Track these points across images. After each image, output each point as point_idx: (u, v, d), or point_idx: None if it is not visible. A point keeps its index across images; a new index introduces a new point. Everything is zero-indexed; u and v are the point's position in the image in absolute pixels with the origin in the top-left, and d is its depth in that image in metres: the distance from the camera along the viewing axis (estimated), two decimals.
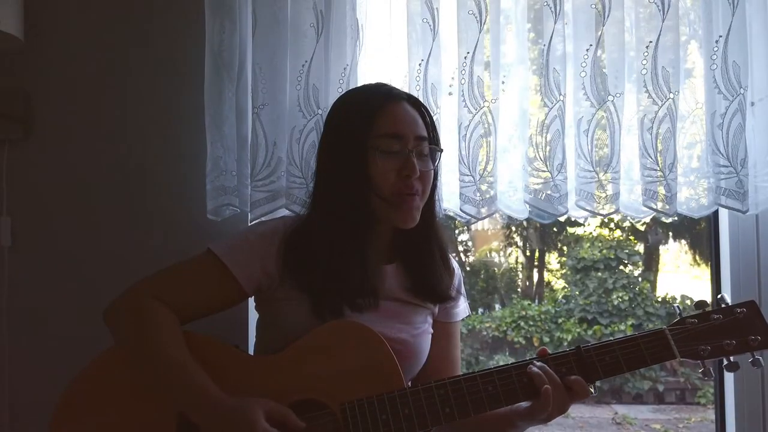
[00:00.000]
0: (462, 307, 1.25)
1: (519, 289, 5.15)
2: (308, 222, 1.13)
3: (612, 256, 4.67)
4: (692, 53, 1.39)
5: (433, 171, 1.14)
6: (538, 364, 1.01)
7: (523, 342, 4.63)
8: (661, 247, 5.04)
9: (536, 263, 5.19)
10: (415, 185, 1.09)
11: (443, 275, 1.18)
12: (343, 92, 1.28)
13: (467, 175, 1.34)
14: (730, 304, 1.04)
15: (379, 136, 1.08)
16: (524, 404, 1.03)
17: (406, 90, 1.29)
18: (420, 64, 1.34)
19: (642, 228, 4.88)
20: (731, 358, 1.02)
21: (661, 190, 1.30)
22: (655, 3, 1.30)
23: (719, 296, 1.06)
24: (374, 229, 1.13)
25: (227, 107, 1.38)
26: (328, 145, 1.15)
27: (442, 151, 1.19)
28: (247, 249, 1.09)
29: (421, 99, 1.30)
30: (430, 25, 1.34)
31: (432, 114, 1.29)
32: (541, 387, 0.99)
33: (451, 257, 1.24)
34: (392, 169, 1.08)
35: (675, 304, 1.12)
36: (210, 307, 1.10)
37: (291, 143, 1.35)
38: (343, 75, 1.35)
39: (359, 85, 1.35)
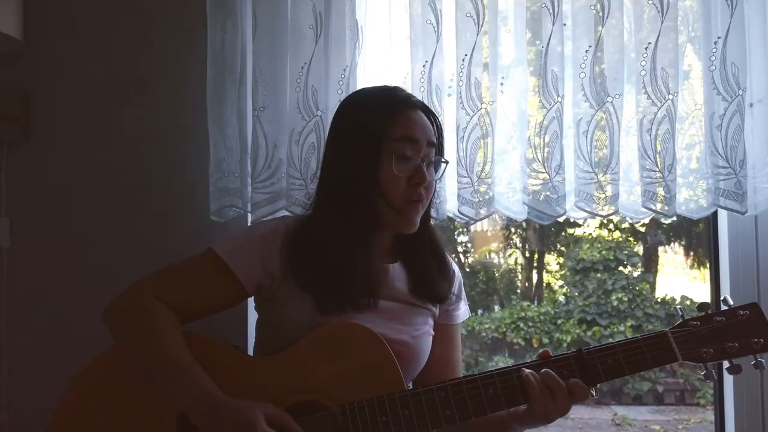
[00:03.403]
0: (463, 310, 1.26)
1: (518, 290, 5.14)
2: (312, 221, 1.13)
3: (611, 257, 4.66)
4: (691, 54, 1.39)
5: (436, 181, 1.17)
6: (543, 370, 1.01)
7: (523, 343, 4.62)
8: (660, 249, 5.03)
9: (535, 264, 5.18)
10: (422, 193, 1.10)
11: (437, 276, 1.18)
12: (354, 92, 1.26)
13: (465, 177, 1.34)
14: (732, 306, 1.04)
15: (396, 139, 1.08)
16: (522, 407, 1.03)
17: (410, 92, 1.29)
18: (424, 66, 1.34)
19: (641, 229, 4.88)
20: (733, 361, 1.01)
21: (660, 191, 1.30)
22: (654, 4, 1.30)
23: (722, 298, 1.05)
24: (377, 229, 1.13)
25: (229, 109, 1.38)
26: (337, 141, 1.15)
27: (447, 162, 1.21)
28: (248, 248, 1.09)
29: (425, 100, 1.32)
30: (433, 26, 1.34)
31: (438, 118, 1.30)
32: (531, 390, 0.99)
33: (451, 260, 1.24)
34: (404, 176, 1.09)
35: (675, 306, 1.11)
36: (210, 307, 1.10)
37: (290, 145, 1.35)
38: (342, 77, 1.35)
39: (359, 86, 1.36)
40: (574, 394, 0.99)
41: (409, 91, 1.31)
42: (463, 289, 1.27)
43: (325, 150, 1.19)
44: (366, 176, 1.08)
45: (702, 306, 1.04)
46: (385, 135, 1.08)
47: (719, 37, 1.30)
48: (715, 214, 1.47)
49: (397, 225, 1.12)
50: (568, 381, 1.00)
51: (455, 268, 1.25)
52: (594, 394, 1.01)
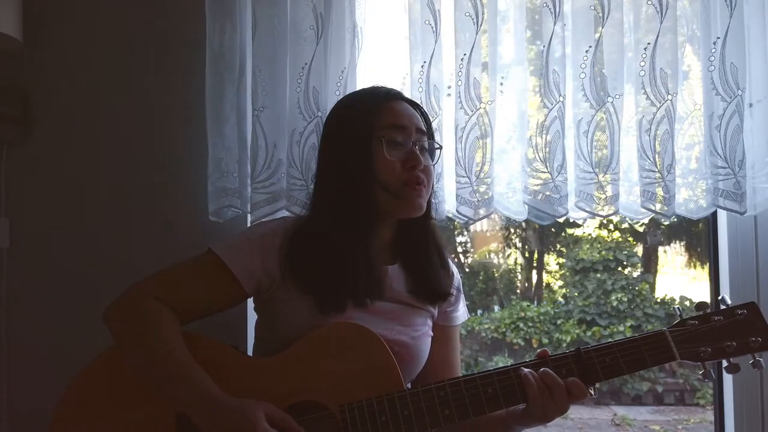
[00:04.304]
0: (461, 311, 1.26)
1: (518, 291, 5.14)
2: (310, 222, 1.13)
3: (611, 258, 4.67)
4: (690, 55, 1.39)
5: (433, 167, 1.17)
6: (542, 369, 1.01)
7: (522, 343, 4.62)
8: (659, 249, 5.04)
9: (535, 264, 5.19)
10: (420, 176, 1.11)
11: (441, 274, 1.18)
12: (341, 97, 1.30)
13: (463, 177, 1.34)
14: (730, 305, 1.04)
15: (383, 127, 1.11)
16: (521, 406, 1.03)
17: (407, 91, 1.32)
18: (423, 66, 1.35)
19: (641, 229, 4.88)
20: (731, 360, 1.01)
21: (660, 191, 1.30)
22: (654, 4, 1.30)
23: (720, 297, 1.05)
24: (376, 228, 1.14)
25: (228, 109, 1.38)
26: (330, 143, 1.17)
27: (441, 147, 1.22)
28: (248, 249, 1.09)
29: (423, 101, 1.33)
30: (432, 27, 1.34)
31: (433, 116, 1.31)
32: (529, 389, 0.99)
33: (450, 261, 1.24)
34: (397, 160, 1.10)
35: (675, 306, 1.12)
36: (210, 308, 1.10)
37: (291, 145, 1.36)
38: (341, 77, 1.35)
39: (357, 87, 1.36)
40: (573, 393, 0.99)
41: (407, 91, 1.34)
42: (461, 290, 1.27)
43: (319, 154, 1.20)
44: (361, 169, 1.09)
45: (700, 305, 1.04)
46: (373, 126, 1.11)
47: (718, 38, 1.30)
48: (714, 215, 1.47)
49: (401, 210, 1.12)
50: (567, 380, 1.00)
51: (454, 269, 1.25)
52: (592, 393, 1.01)
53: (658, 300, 4.68)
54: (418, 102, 1.26)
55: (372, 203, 1.10)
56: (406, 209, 1.12)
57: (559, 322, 4.69)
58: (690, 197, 1.37)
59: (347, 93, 1.33)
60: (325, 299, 1.07)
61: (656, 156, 1.30)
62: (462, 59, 1.33)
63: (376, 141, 1.10)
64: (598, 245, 4.76)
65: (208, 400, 0.97)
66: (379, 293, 1.10)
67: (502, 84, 1.36)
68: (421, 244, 1.18)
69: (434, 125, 1.30)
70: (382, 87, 1.20)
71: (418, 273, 1.17)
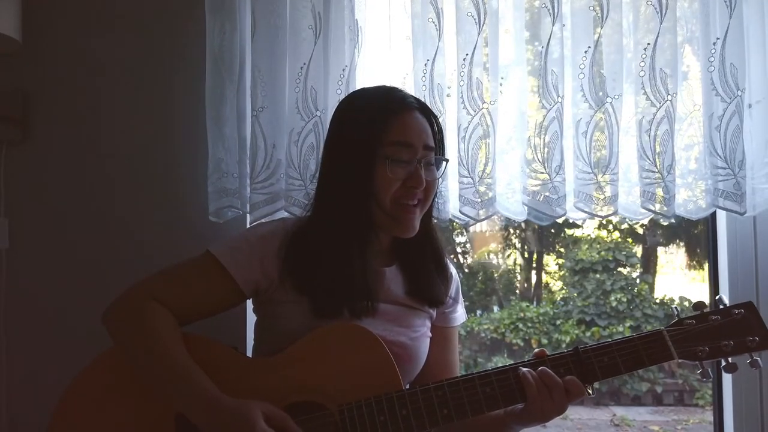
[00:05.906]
0: (460, 313, 1.26)
1: (517, 291, 5.14)
2: (309, 224, 1.13)
3: (610, 258, 4.66)
4: (689, 55, 1.39)
5: (437, 180, 1.15)
6: (540, 369, 1.01)
7: (522, 344, 4.62)
8: (659, 249, 5.04)
9: (534, 265, 5.18)
10: (417, 195, 1.09)
11: (435, 279, 1.18)
12: (353, 92, 1.24)
13: (466, 177, 1.34)
14: (728, 305, 1.04)
15: (389, 143, 1.07)
16: (519, 406, 1.03)
17: (411, 91, 1.29)
18: (426, 64, 1.34)
19: (640, 230, 4.88)
20: (729, 359, 1.02)
21: (659, 191, 1.30)
22: (653, 5, 1.30)
23: (717, 297, 1.06)
24: (373, 233, 1.13)
25: (228, 109, 1.38)
26: (333, 146, 1.14)
27: (447, 161, 1.20)
28: (246, 250, 1.09)
29: (427, 100, 1.31)
30: (435, 24, 1.34)
31: (438, 116, 1.30)
32: (528, 388, 0.99)
33: (449, 262, 1.24)
34: (398, 178, 1.08)
35: (673, 306, 1.12)
36: (208, 309, 1.10)
37: (290, 145, 1.36)
38: (341, 77, 1.35)
39: (358, 86, 1.36)
40: (571, 393, 0.99)
41: (410, 90, 1.32)
42: (460, 292, 1.26)
43: (323, 153, 1.18)
44: (359, 181, 1.07)
45: (697, 305, 1.05)
46: (380, 140, 1.07)
47: (718, 38, 1.30)
48: (714, 215, 1.48)
49: (393, 229, 1.12)
50: (565, 379, 1.00)
51: (453, 270, 1.24)
52: (591, 392, 1.01)
53: (658, 300, 4.68)
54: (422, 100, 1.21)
55: (367, 216, 1.09)
56: (398, 230, 1.11)
57: (558, 322, 4.69)
58: (690, 198, 1.37)
59: (349, 92, 1.31)
60: (321, 303, 1.07)
61: (656, 156, 1.30)
62: (464, 59, 1.33)
63: (380, 157, 1.07)
64: (598, 246, 4.76)
65: (206, 401, 0.97)
66: (372, 298, 1.09)
67: (501, 84, 1.36)
68: (419, 248, 1.17)
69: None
70: (398, 92, 1.14)
71: (416, 275, 1.17)
